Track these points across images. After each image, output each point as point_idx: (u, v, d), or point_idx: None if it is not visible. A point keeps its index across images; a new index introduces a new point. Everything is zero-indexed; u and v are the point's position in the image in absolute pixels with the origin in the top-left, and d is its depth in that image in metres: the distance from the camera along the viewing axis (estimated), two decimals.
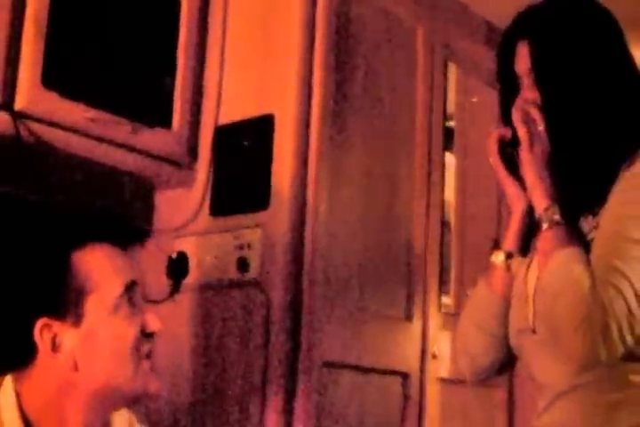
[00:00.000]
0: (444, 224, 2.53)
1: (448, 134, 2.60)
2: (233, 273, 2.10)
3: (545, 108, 1.41)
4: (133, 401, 1.36)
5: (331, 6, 2.16)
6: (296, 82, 2.10)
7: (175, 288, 2.13)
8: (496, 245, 1.52)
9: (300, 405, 1.98)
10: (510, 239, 1.50)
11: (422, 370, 2.33)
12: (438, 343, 2.39)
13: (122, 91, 2.03)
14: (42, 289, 1.29)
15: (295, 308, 2.02)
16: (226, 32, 2.25)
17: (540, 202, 1.39)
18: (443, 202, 2.51)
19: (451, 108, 2.64)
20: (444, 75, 2.58)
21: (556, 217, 1.37)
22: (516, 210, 1.49)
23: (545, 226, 1.37)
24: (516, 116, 1.43)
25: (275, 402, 1.97)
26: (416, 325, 2.34)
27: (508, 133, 1.46)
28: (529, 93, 1.43)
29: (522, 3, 2.66)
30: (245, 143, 2.15)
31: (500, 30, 2.91)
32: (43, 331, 1.28)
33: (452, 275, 2.60)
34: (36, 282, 1.29)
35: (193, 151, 2.21)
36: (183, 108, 2.17)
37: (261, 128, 2.12)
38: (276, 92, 2.13)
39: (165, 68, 2.15)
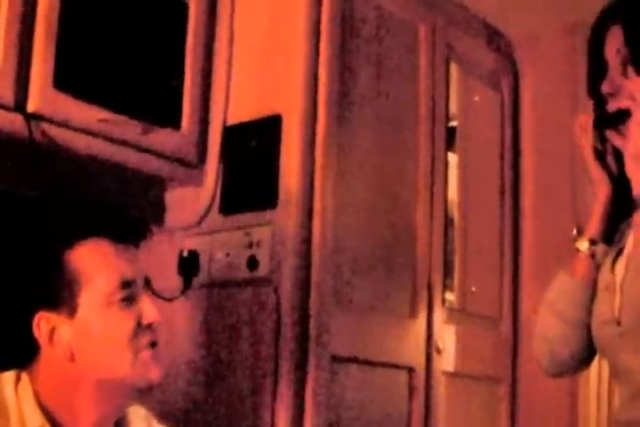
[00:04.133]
0: (448, 221, 2.56)
1: (450, 134, 2.62)
2: (243, 271, 2.11)
3: None
4: (138, 391, 1.36)
5: (335, 7, 2.19)
6: (303, 82, 2.13)
7: (186, 286, 2.14)
8: (579, 232, 1.45)
9: (309, 398, 2.01)
10: (594, 226, 1.44)
11: (428, 364, 2.36)
12: (443, 338, 2.42)
13: (132, 92, 2.05)
14: (35, 283, 1.31)
15: (304, 304, 2.04)
16: (233, 33, 2.27)
17: None
18: (446, 200, 2.54)
19: (453, 108, 2.66)
20: (446, 75, 2.60)
21: None
22: (601, 196, 1.43)
23: None
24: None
25: (285, 396, 1.99)
26: (421, 320, 2.37)
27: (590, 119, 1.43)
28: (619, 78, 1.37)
29: (521, 4, 2.72)
30: (253, 143, 2.17)
31: (500, 31, 2.95)
32: (40, 323, 1.30)
33: (456, 271, 2.62)
34: (29, 275, 1.31)
35: (202, 151, 2.22)
36: (192, 108, 2.18)
37: (269, 128, 2.14)
38: (284, 92, 2.15)
39: (174, 69, 2.16)
